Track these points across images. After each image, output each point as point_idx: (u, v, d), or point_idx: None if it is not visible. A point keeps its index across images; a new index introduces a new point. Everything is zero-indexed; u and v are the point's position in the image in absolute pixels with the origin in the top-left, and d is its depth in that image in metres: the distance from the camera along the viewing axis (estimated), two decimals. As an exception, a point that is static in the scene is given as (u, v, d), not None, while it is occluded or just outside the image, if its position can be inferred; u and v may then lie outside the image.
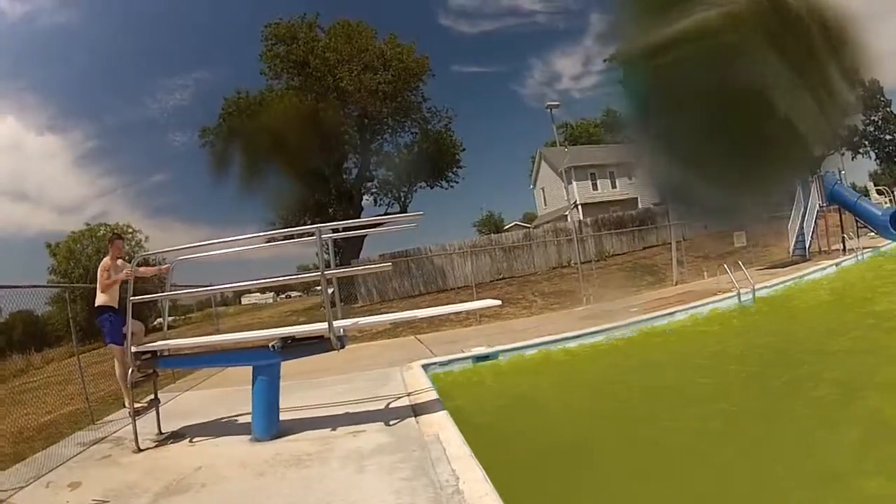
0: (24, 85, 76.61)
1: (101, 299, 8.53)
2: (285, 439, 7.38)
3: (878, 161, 75.07)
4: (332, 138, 35.27)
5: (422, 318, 14.42)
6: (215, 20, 69.08)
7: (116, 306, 8.54)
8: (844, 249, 27.69)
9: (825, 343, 12.29)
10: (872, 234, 29.33)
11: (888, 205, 32.96)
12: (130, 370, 7.94)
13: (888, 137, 71.08)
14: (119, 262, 8.96)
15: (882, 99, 68.52)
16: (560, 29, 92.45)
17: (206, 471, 6.43)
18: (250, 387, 7.78)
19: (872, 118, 70.46)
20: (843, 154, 68.93)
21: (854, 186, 44.73)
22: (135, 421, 7.80)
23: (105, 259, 8.78)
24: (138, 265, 8.73)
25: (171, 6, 65.93)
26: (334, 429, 7.65)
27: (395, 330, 19.71)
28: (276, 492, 5.63)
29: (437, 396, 8.96)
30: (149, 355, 8.26)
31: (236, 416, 8.93)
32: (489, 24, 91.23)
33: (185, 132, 73.22)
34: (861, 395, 8.14)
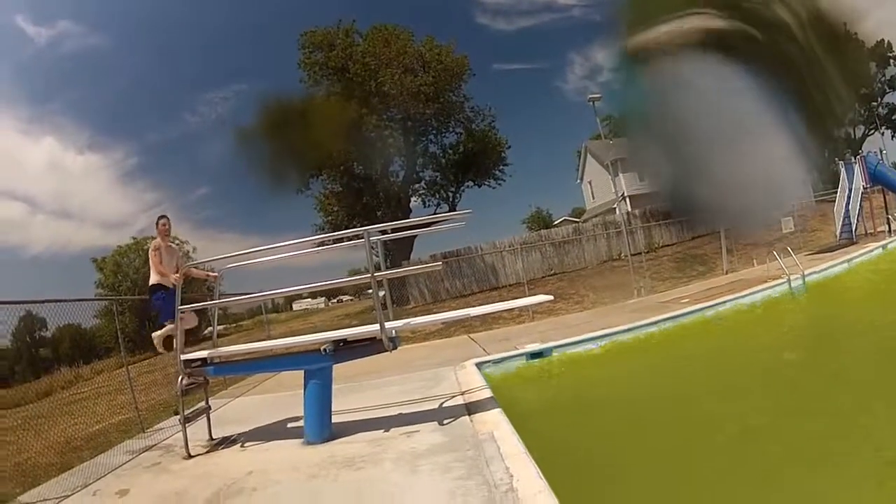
0: (57, 108, 77.94)
1: (154, 279, 8.76)
2: (338, 442, 7.31)
3: None
4: (377, 142, 35.38)
5: (474, 317, 14.24)
6: (252, 32, 69.78)
7: (168, 285, 8.67)
8: (890, 231, 27.28)
9: (875, 330, 12.03)
10: None
11: None
12: (181, 378, 7.99)
13: None
14: (173, 246, 9.26)
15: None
16: (597, 21, 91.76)
17: (258, 475, 6.38)
18: (301, 391, 7.73)
19: None
20: (882, 133, 67.54)
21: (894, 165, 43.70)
22: (185, 427, 7.80)
23: (155, 240, 8.96)
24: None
25: (203, 23, 66.66)
26: (387, 430, 7.56)
27: (447, 330, 19.65)
28: (329, 494, 5.57)
29: (491, 395, 8.79)
30: (199, 363, 8.26)
31: (288, 420, 8.88)
32: (526, 21, 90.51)
33: (230, 144, 74.05)
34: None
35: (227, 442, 8.15)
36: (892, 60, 65.21)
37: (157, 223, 9.22)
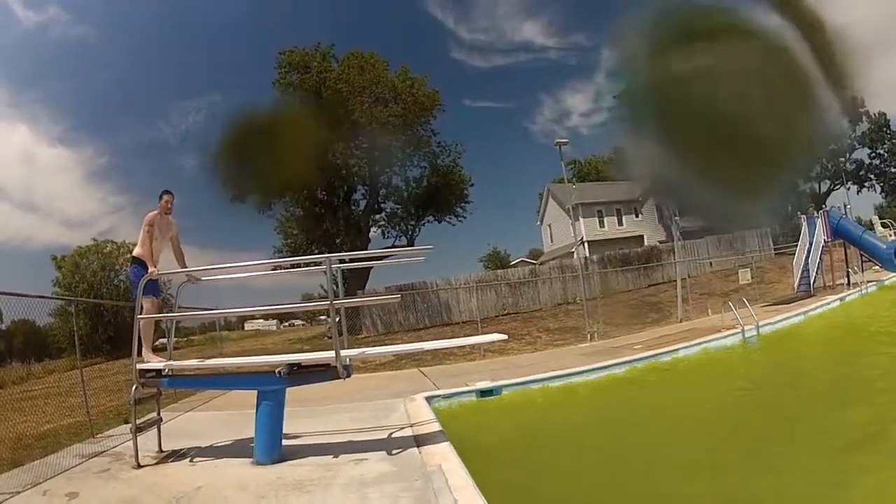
0: (36, 97, 77.22)
1: (137, 250, 8.77)
2: (287, 464, 7.33)
3: (883, 194, 75.04)
4: (342, 169, 35.46)
5: (427, 351, 14.39)
6: (233, 44, 69.78)
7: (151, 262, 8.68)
8: (849, 284, 28.01)
9: (825, 378, 12.80)
10: (877, 267, 29.54)
11: (893, 237, 33.05)
12: (135, 387, 7.96)
13: (894, 170, 70.92)
14: (170, 218, 9.19)
15: (888, 132, 68.58)
16: (571, 65, 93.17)
17: (207, 490, 6.40)
18: (252, 411, 7.77)
19: (879, 151, 70.45)
20: (848, 188, 68.96)
21: (860, 220, 44.71)
22: (136, 436, 7.77)
23: (151, 214, 8.89)
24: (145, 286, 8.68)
25: (188, 27, 66.68)
26: (337, 456, 7.60)
27: (398, 362, 19.64)
28: None
29: (440, 428, 8.91)
30: (154, 374, 8.26)
31: (238, 439, 8.86)
32: (501, 59, 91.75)
33: (197, 156, 73.56)
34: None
35: (176, 455, 8.11)
36: (864, 117, 66.53)
37: (160, 197, 9.15)
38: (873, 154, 71.66)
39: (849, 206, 40.86)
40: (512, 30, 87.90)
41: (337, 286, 8.72)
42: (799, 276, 28.80)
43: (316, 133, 33.89)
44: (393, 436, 8.80)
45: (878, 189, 74.14)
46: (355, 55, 37.06)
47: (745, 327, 17.83)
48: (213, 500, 6.12)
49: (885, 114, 63.99)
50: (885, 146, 69.67)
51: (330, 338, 7.93)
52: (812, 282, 28.16)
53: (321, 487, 6.30)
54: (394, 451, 7.65)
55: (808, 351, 17.16)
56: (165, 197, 9.16)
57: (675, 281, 29.08)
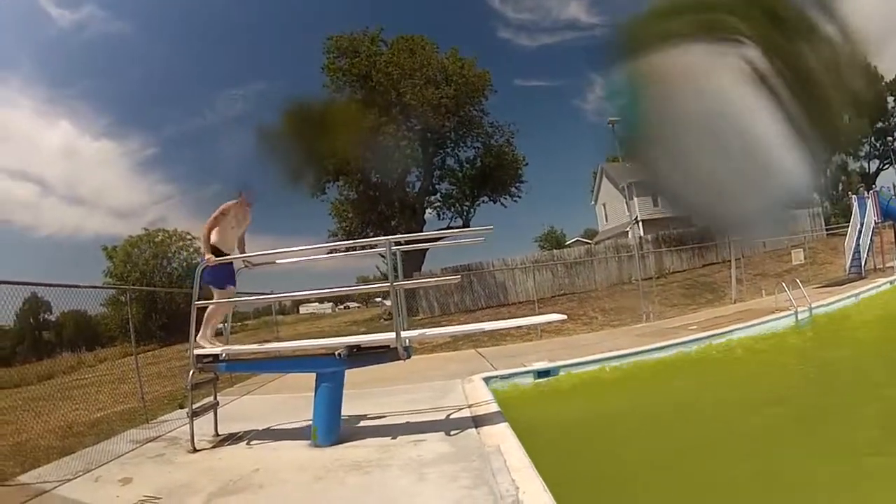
0: (75, 93, 78.54)
1: (214, 238, 8.73)
2: (345, 445, 7.32)
3: None
4: (395, 152, 35.41)
5: (484, 332, 14.27)
6: (271, 32, 70.14)
7: (226, 250, 8.78)
8: None
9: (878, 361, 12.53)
10: None
11: None
12: (192, 372, 7.99)
13: None
14: (248, 209, 9.27)
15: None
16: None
17: (264, 473, 6.38)
18: (309, 394, 7.80)
19: None
20: None
21: None
22: (192, 421, 7.80)
23: (227, 204, 8.91)
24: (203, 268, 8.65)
25: (224, 17, 67.14)
26: (395, 437, 7.57)
27: (455, 343, 19.65)
28: (336, 496, 5.58)
29: (498, 409, 8.83)
30: (211, 359, 8.28)
31: (295, 421, 8.83)
32: (549, 38, 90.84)
33: (246, 142, 74.17)
34: None
35: (233, 439, 8.15)
36: None
37: (241, 191, 9.20)
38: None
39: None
40: (558, 8, 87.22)
41: (396, 267, 8.74)
42: (851, 257, 28.22)
43: (367, 116, 34.02)
44: (451, 417, 8.74)
45: None
46: (405, 38, 36.89)
47: (799, 309, 17.49)
48: (270, 482, 6.10)
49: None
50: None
51: (386, 320, 7.85)
52: (863, 263, 27.54)
53: (379, 468, 6.26)
54: (452, 432, 7.60)
55: (861, 333, 16.75)
56: (248, 192, 9.23)
57: (730, 261, 28.69)
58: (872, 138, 67.93)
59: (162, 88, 71.74)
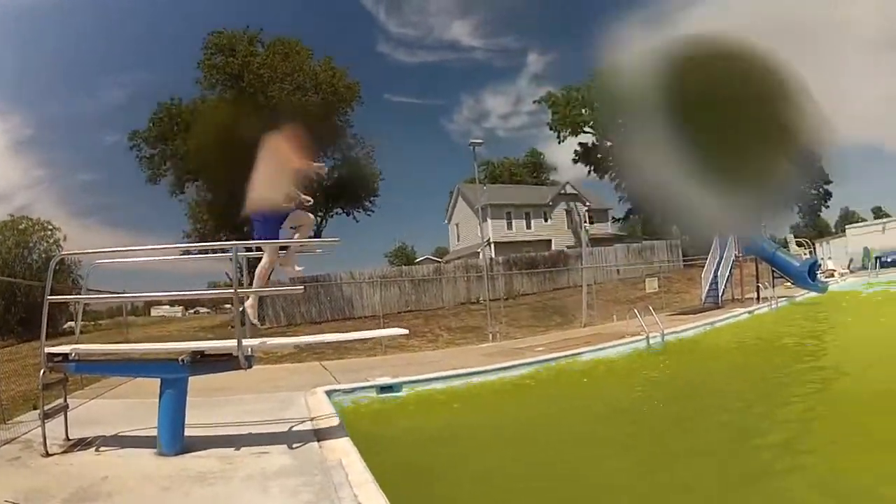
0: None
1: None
2: (190, 456, 7.47)
3: (801, 214, 78.12)
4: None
5: (328, 343, 14.64)
6: (168, 20, 68.09)
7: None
8: (758, 298, 29.12)
9: (725, 388, 13.73)
10: (789, 283, 30.87)
11: (807, 256, 34.82)
12: (42, 371, 7.92)
13: (813, 192, 73.83)
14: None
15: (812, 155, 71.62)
16: (496, 66, 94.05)
17: (113, 481, 6.50)
18: (157, 399, 7.84)
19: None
20: None
21: (774, 238, 46.69)
22: (44, 423, 7.78)
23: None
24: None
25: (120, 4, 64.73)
26: (238, 448, 7.75)
27: (300, 354, 19.81)
28: None
29: (340, 422, 9.16)
30: (60, 358, 8.19)
31: (142, 428, 8.81)
32: (427, 55, 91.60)
33: (118, 133, 71.47)
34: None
35: (82, 444, 8.15)
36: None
37: None
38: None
39: (764, 225, 42.57)
40: (441, 27, 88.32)
41: (242, 274, 8.87)
42: (707, 287, 29.92)
43: (233, 118, 33.74)
44: (293, 429, 9.02)
45: (796, 209, 77.05)
46: (281, 42, 37.10)
47: (651, 334, 18.43)
48: (118, 490, 6.22)
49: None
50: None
51: (232, 328, 8.06)
52: (721, 294, 29.39)
53: (223, 480, 6.46)
54: (294, 445, 7.85)
55: (711, 359, 18.08)
56: None
57: (581, 286, 29.80)
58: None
59: (49, 65, 68.12)
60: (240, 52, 36.27)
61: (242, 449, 7.75)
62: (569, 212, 63.20)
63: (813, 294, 29.51)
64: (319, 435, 8.45)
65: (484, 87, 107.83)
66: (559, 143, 68.02)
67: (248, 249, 9.68)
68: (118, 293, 14.29)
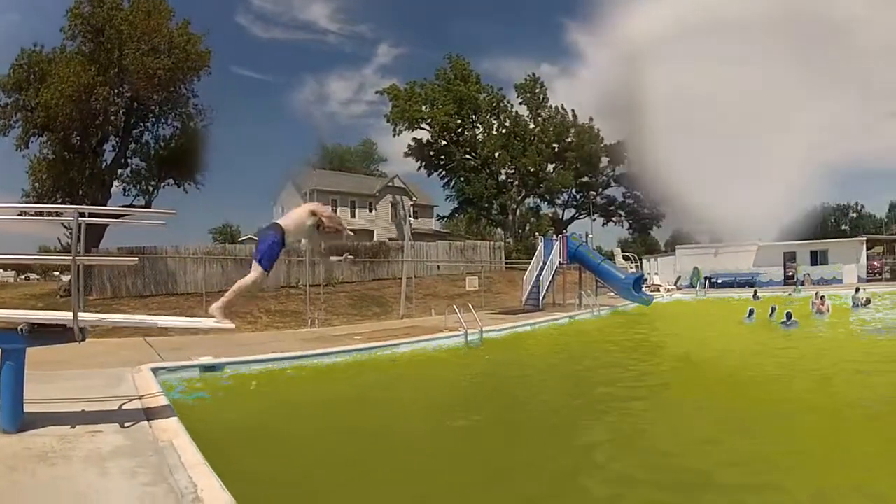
0: None
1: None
2: (30, 433, 7.35)
3: (630, 230, 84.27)
4: (100, 116, 34.19)
5: (162, 327, 14.73)
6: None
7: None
8: (580, 304, 31.39)
9: (538, 384, 15.02)
10: (612, 294, 33.57)
11: (633, 270, 37.63)
12: None
13: (645, 211, 79.41)
14: None
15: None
16: (345, 52, 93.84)
17: None
18: None
19: (634, 192, 78.70)
20: (594, 219, 76.64)
21: (600, 249, 50.07)
22: None
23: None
24: None
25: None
26: (73, 426, 7.69)
27: (124, 329, 19.33)
28: (30, 490, 5.72)
29: (168, 402, 9.36)
30: None
31: None
32: (281, 33, 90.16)
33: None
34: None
35: None
36: (626, 161, 73.89)
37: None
38: (628, 194, 79.87)
39: (591, 236, 45.65)
40: (301, 5, 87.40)
41: (79, 241, 8.39)
42: (528, 291, 31.53)
43: (86, 73, 32.77)
44: (123, 408, 9.03)
45: (626, 225, 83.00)
46: (149, -1, 35.62)
47: (469, 331, 19.31)
48: None
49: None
50: (640, 192, 77.50)
51: (62, 297, 7.97)
52: (541, 298, 30.98)
53: (63, 459, 6.41)
54: (126, 424, 7.86)
55: (525, 357, 19.40)
56: None
57: (401, 279, 30.69)
58: (574, 189, 76.88)
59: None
60: (108, 3, 34.67)
61: (78, 427, 7.70)
62: (394, 204, 64.52)
63: (636, 305, 32.08)
64: (149, 414, 8.55)
65: (330, 71, 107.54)
66: (394, 136, 69.82)
67: (85, 215, 9.57)
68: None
